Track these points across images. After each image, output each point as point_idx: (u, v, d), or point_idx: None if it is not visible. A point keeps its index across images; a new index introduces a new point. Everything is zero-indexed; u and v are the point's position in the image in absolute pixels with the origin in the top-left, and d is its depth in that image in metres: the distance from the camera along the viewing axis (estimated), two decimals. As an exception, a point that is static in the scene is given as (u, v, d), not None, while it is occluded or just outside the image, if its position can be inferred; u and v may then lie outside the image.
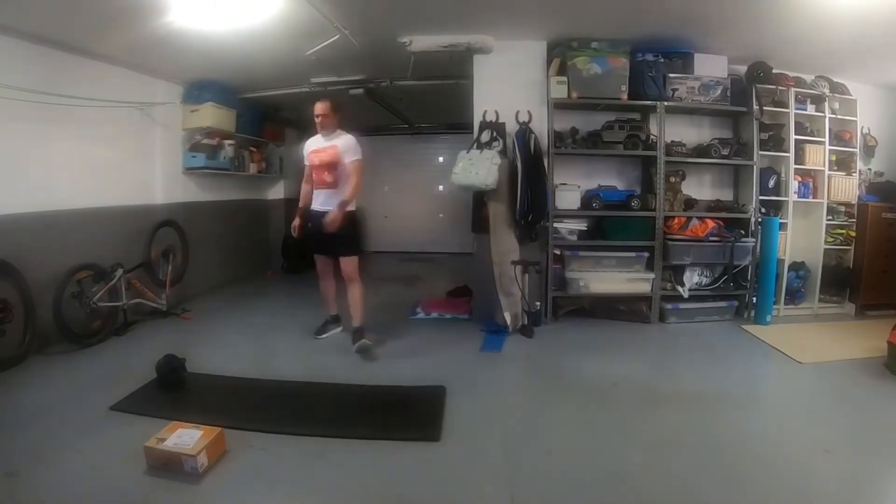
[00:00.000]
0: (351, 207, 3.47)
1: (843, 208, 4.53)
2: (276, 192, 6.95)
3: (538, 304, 4.09)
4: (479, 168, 3.84)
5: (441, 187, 8.40)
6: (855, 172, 4.51)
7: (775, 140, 4.35)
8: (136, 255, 4.23)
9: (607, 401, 2.77)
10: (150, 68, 4.39)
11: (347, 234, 3.51)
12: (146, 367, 2.93)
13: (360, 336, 3.50)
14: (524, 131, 3.97)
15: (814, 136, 4.43)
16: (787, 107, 4.29)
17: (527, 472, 2.09)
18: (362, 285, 3.61)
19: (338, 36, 3.62)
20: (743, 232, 4.28)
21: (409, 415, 2.62)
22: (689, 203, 4.31)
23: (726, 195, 4.62)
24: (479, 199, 4.13)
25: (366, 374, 3.18)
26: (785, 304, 4.42)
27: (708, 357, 3.52)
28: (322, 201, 3.54)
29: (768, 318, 4.15)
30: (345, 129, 3.58)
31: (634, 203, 4.24)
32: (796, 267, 4.49)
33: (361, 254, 3.68)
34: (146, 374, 2.90)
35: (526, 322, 3.97)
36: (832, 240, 4.52)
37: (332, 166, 3.47)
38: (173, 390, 2.82)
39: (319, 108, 3.47)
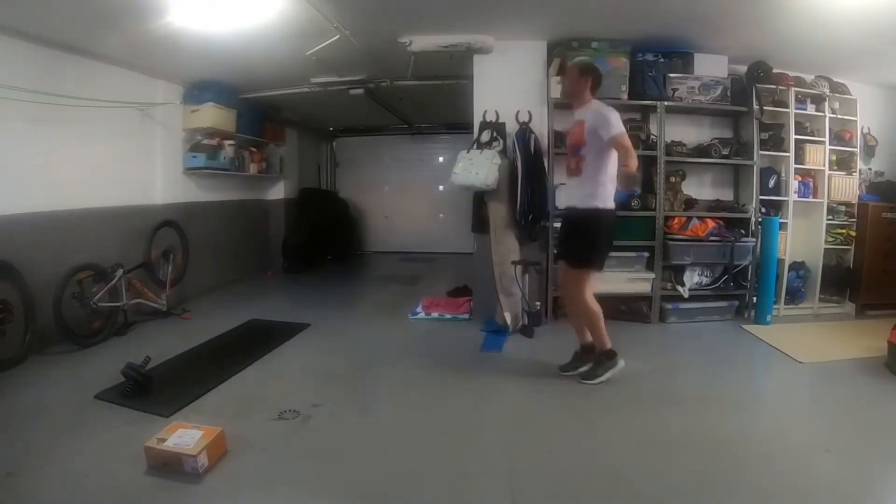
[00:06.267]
0: (601, 203, 2.82)
1: (843, 208, 4.53)
2: (277, 192, 6.95)
3: (538, 303, 4.09)
4: (480, 168, 3.84)
5: (441, 187, 8.41)
6: (855, 172, 4.51)
7: (775, 140, 4.35)
8: (136, 256, 4.23)
9: (607, 401, 2.77)
10: (150, 68, 4.39)
11: (578, 233, 2.94)
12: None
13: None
14: (524, 131, 3.98)
15: (814, 136, 4.42)
16: (787, 106, 4.29)
17: (527, 472, 2.09)
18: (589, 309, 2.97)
19: (338, 36, 3.62)
20: (743, 232, 4.28)
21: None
22: (690, 203, 4.31)
23: (726, 195, 4.62)
24: (479, 199, 4.13)
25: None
26: (785, 303, 4.42)
27: (708, 357, 3.51)
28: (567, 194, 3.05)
29: (769, 318, 4.15)
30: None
31: (634, 203, 4.23)
32: (796, 267, 4.49)
33: (589, 268, 2.96)
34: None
35: (526, 322, 3.97)
36: (832, 239, 4.51)
37: (575, 149, 2.91)
38: (147, 390, 2.77)
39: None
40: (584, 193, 2.85)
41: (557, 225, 4.10)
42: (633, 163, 2.67)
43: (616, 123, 2.71)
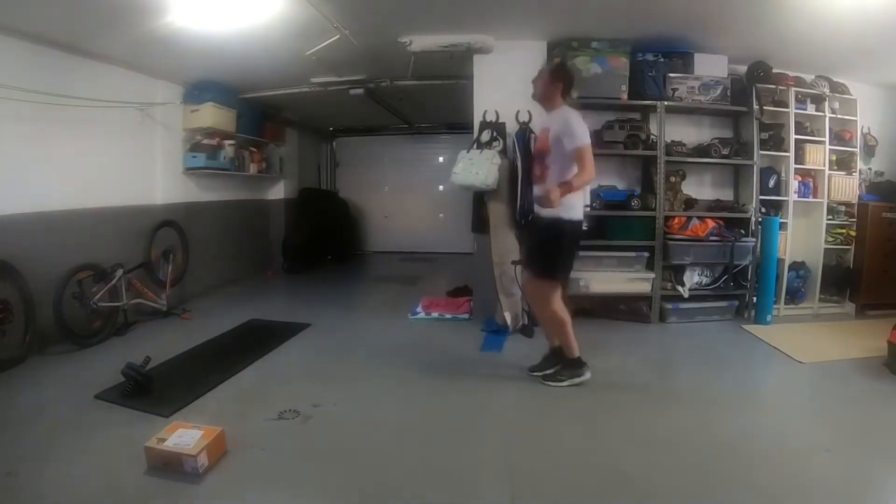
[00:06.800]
0: (564, 213, 2.70)
1: (843, 208, 4.53)
2: (277, 192, 6.95)
3: (538, 303, 4.08)
4: (480, 168, 3.84)
5: (441, 187, 8.41)
6: (855, 172, 4.51)
7: (775, 140, 4.34)
8: (136, 256, 4.23)
9: (607, 401, 2.77)
10: (150, 68, 4.39)
11: (540, 242, 2.86)
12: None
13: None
14: (524, 131, 3.98)
15: (814, 136, 4.42)
16: (787, 106, 4.29)
17: (527, 472, 2.09)
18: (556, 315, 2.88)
19: (338, 36, 3.62)
20: (743, 232, 4.28)
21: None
22: (690, 203, 4.31)
23: (726, 195, 4.62)
24: (479, 199, 4.13)
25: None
26: (785, 303, 4.42)
27: (708, 357, 3.51)
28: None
29: (769, 318, 4.15)
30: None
31: (635, 203, 4.23)
32: (796, 266, 4.49)
33: (554, 279, 2.85)
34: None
35: (526, 322, 3.97)
36: (832, 239, 4.52)
37: (542, 157, 2.84)
38: (147, 390, 2.77)
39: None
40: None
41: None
42: (585, 179, 2.60)
43: (580, 134, 2.60)
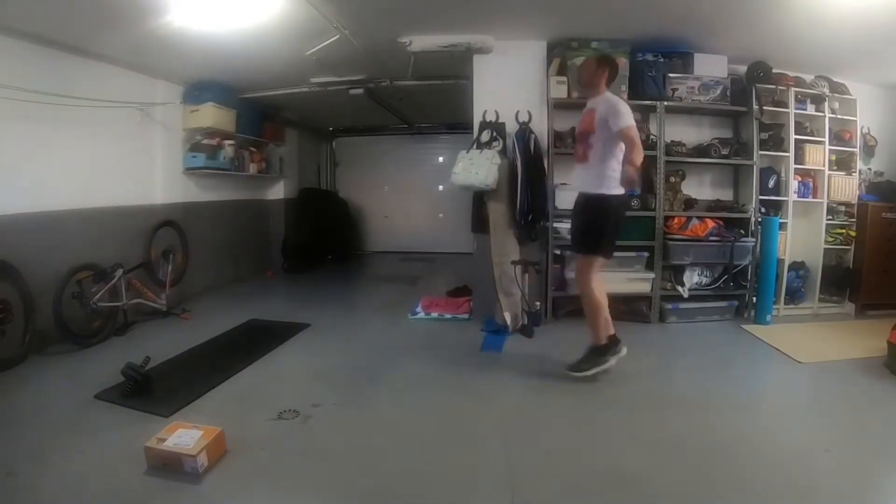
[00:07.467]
0: (607, 189, 2.86)
1: (843, 208, 4.53)
2: (276, 192, 6.95)
3: (538, 304, 4.09)
4: (479, 168, 3.84)
5: (441, 187, 8.41)
6: (855, 172, 4.51)
7: (775, 140, 4.35)
8: (136, 255, 4.23)
9: (607, 401, 2.77)
10: (150, 68, 4.39)
11: (585, 218, 2.97)
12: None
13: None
14: (524, 131, 3.98)
15: (814, 136, 4.42)
16: (786, 106, 4.29)
17: (527, 472, 2.09)
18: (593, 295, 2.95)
19: (338, 36, 3.62)
20: (743, 232, 4.28)
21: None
22: (689, 203, 4.31)
23: (726, 195, 4.62)
24: (479, 199, 4.13)
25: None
26: (785, 303, 4.42)
27: (708, 357, 3.51)
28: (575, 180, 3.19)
29: (768, 318, 4.15)
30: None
31: (634, 203, 4.22)
32: (796, 267, 4.49)
33: (600, 254, 2.99)
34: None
35: (526, 322, 3.97)
36: (832, 239, 4.51)
37: (584, 136, 2.96)
38: (147, 390, 2.77)
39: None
40: (592, 180, 2.91)
41: (557, 225, 4.13)
42: (639, 157, 2.70)
43: (627, 115, 2.76)
